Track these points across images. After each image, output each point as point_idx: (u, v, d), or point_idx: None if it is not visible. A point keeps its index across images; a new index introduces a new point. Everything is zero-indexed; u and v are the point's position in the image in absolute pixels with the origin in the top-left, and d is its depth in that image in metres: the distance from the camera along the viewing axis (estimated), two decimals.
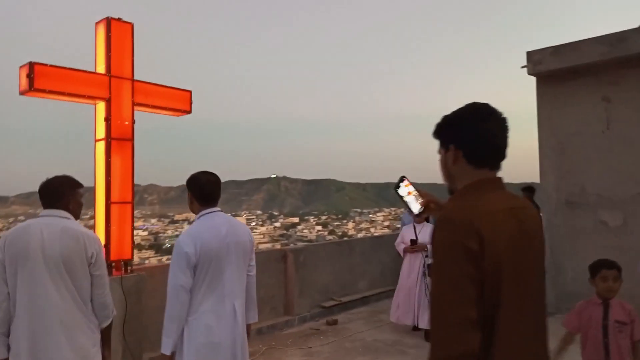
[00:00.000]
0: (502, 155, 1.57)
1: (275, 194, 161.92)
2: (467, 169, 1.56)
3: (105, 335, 2.77)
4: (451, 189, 1.68)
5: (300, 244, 11.42)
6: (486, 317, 1.35)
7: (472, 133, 1.55)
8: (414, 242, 5.94)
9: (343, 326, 6.39)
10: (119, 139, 4.70)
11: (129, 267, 4.78)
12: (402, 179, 1.97)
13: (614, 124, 6.16)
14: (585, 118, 6.35)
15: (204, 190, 2.91)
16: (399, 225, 8.39)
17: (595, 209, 6.29)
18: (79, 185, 2.80)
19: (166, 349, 2.75)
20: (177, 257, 2.75)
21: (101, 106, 4.68)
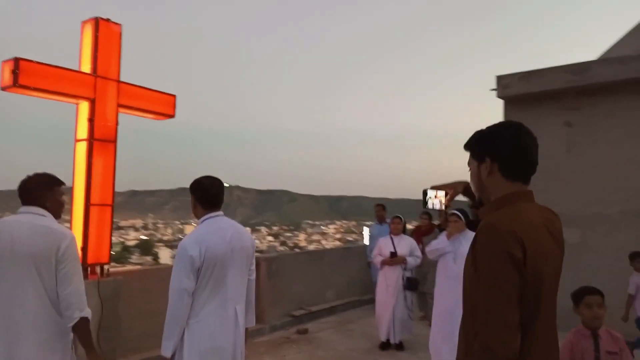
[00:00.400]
0: (533, 170, 1.72)
1: (227, 202, 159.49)
2: (501, 182, 1.69)
3: (80, 336, 2.58)
4: (481, 199, 1.82)
5: (273, 253, 11.38)
6: (522, 321, 1.48)
7: (509, 148, 1.68)
8: (393, 254, 5.86)
9: (314, 335, 6.44)
10: (102, 140, 4.61)
11: (106, 271, 4.66)
12: (425, 194, 2.11)
13: (575, 147, 6.59)
14: (548, 141, 6.75)
15: (208, 194, 2.93)
16: (360, 237, 8.55)
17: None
18: (59, 183, 2.72)
19: (167, 352, 2.74)
20: (181, 260, 2.74)
21: (84, 106, 4.58)
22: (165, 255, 67.27)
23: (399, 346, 5.79)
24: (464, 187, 2.10)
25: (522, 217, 1.58)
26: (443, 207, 2.13)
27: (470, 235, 5.00)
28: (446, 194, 2.13)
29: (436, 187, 2.13)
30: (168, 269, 6.21)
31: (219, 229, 2.86)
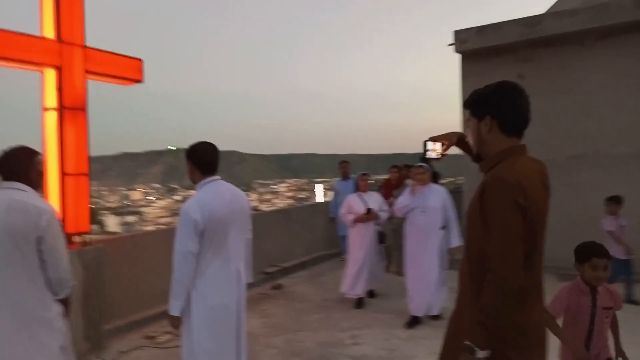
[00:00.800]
0: (526, 126, 1.94)
1: (175, 166, 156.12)
2: (500, 137, 1.91)
3: (67, 305, 2.67)
4: (479, 152, 2.04)
5: None
6: (525, 255, 1.74)
7: (508, 106, 1.90)
8: (369, 211, 5.86)
9: (289, 289, 6.71)
10: (72, 109, 4.49)
11: (87, 240, 4.65)
12: (425, 145, 2.28)
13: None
14: None
15: (205, 159, 3.01)
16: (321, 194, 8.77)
17: None
18: (36, 153, 2.70)
19: (176, 311, 2.87)
20: (185, 224, 2.84)
21: (51, 74, 4.42)
22: (112, 223, 65.34)
23: (372, 294, 6.15)
24: (457, 138, 2.30)
25: (521, 168, 1.81)
26: (439, 157, 2.31)
27: (435, 188, 5.29)
28: (442, 145, 2.31)
29: (433, 139, 2.31)
30: (145, 235, 6.25)
31: (218, 193, 2.96)
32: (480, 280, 1.81)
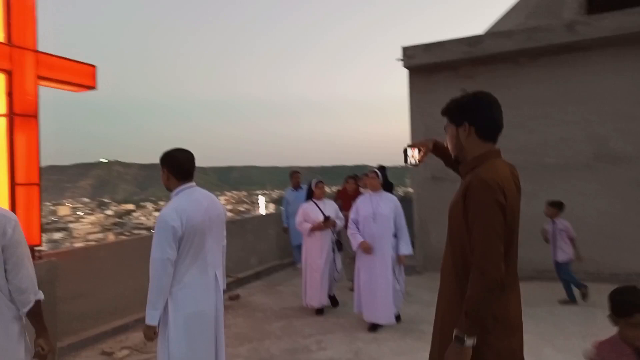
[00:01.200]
0: (500, 132, 2.14)
1: (105, 179, 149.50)
2: (477, 142, 2.10)
3: (33, 320, 2.55)
4: (457, 157, 2.22)
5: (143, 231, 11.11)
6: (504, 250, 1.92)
7: (484, 114, 2.10)
8: (327, 218, 5.92)
9: (246, 300, 6.67)
10: (23, 115, 4.30)
11: (38, 254, 4.44)
12: (405, 152, 2.42)
13: None
14: None
15: (182, 166, 3.00)
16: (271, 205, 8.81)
17: (455, 183, 7.49)
18: None
19: (153, 320, 2.82)
20: (162, 231, 2.82)
21: (0, 78, 4.22)
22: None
23: (333, 301, 6.17)
24: (433, 144, 2.47)
25: (499, 170, 2.00)
26: (417, 163, 2.46)
27: (386, 195, 5.43)
28: (419, 151, 2.46)
29: (412, 146, 2.46)
30: (98, 248, 6.00)
31: (195, 200, 2.97)
32: (464, 274, 1.96)
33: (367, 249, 5.22)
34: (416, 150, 2.43)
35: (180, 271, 2.87)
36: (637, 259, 6.66)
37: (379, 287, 5.17)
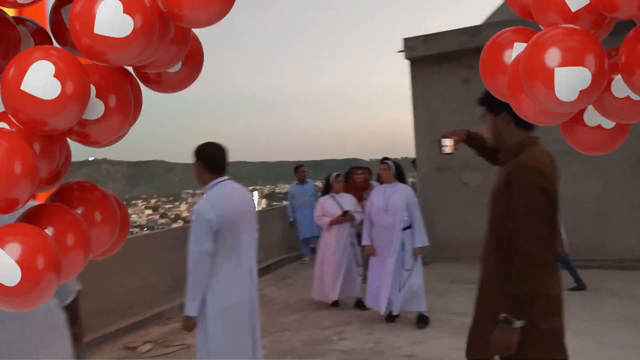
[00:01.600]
0: None
1: (95, 178, 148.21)
2: (516, 130, 2.19)
3: (72, 311, 2.42)
4: (496, 144, 2.31)
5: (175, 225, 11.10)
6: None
7: None
8: (345, 212, 5.89)
9: (259, 292, 6.72)
10: None
11: None
12: (440, 141, 2.53)
13: (471, 102, 7.52)
14: (450, 97, 7.63)
15: (216, 160, 3.06)
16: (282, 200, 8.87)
17: (459, 173, 7.67)
18: None
19: (192, 311, 2.90)
20: (199, 225, 2.88)
21: None
22: None
23: (360, 304, 5.84)
24: (466, 134, 2.57)
25: (541, 157, 2.10)
26: (452, 152, 2.57)
27: (400, 187, 5.44)
28: (453, 140, 2.56)
29: (445, 135, 2.56)
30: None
31: (229, 193, 3.04)
32: (508, 258, 2.05)
33: (371, 252, 5.33)
34: (450, 140, 2.53)
35: (216, 264, 2.94)
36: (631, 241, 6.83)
37: (386, 278, 5.10)
